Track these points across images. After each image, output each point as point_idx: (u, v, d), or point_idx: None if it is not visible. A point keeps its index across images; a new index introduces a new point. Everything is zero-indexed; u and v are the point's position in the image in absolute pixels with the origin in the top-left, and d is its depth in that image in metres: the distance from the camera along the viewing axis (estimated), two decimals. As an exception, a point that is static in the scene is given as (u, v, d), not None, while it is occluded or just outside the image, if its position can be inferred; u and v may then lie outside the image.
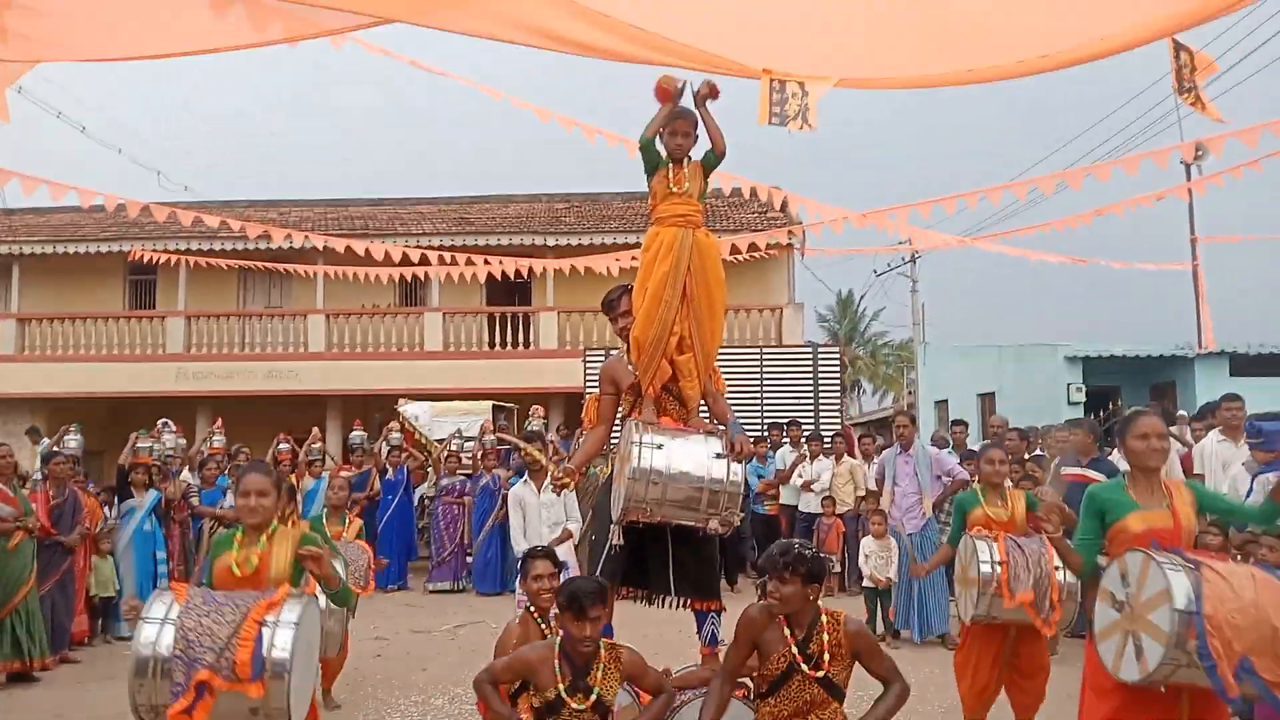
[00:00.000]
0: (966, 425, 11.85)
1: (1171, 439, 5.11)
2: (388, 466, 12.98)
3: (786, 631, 3.72)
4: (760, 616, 3.80)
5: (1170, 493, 3.99)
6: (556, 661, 3.77)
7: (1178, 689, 3.66)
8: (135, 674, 3.54)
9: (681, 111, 4.56)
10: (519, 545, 7.33)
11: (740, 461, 4.29)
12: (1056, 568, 5.34)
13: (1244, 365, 17.42)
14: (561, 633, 3.84)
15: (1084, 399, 18.20)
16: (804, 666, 3.68)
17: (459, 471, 12.80)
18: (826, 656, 3.69)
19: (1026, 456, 9.08)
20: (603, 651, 3.81)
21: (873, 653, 3.83)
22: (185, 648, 3.51)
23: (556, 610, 3.84)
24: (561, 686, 3.72)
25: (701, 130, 4.60)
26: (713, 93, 4.58)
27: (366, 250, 12.13)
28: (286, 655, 3.54)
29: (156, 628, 3.57)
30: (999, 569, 5.30)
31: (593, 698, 3.72)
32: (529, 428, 13.20)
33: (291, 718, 3.61)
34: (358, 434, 14.60)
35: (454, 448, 13.14)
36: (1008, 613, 5.33)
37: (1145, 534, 3.86)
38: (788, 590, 3.66)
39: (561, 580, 4.30)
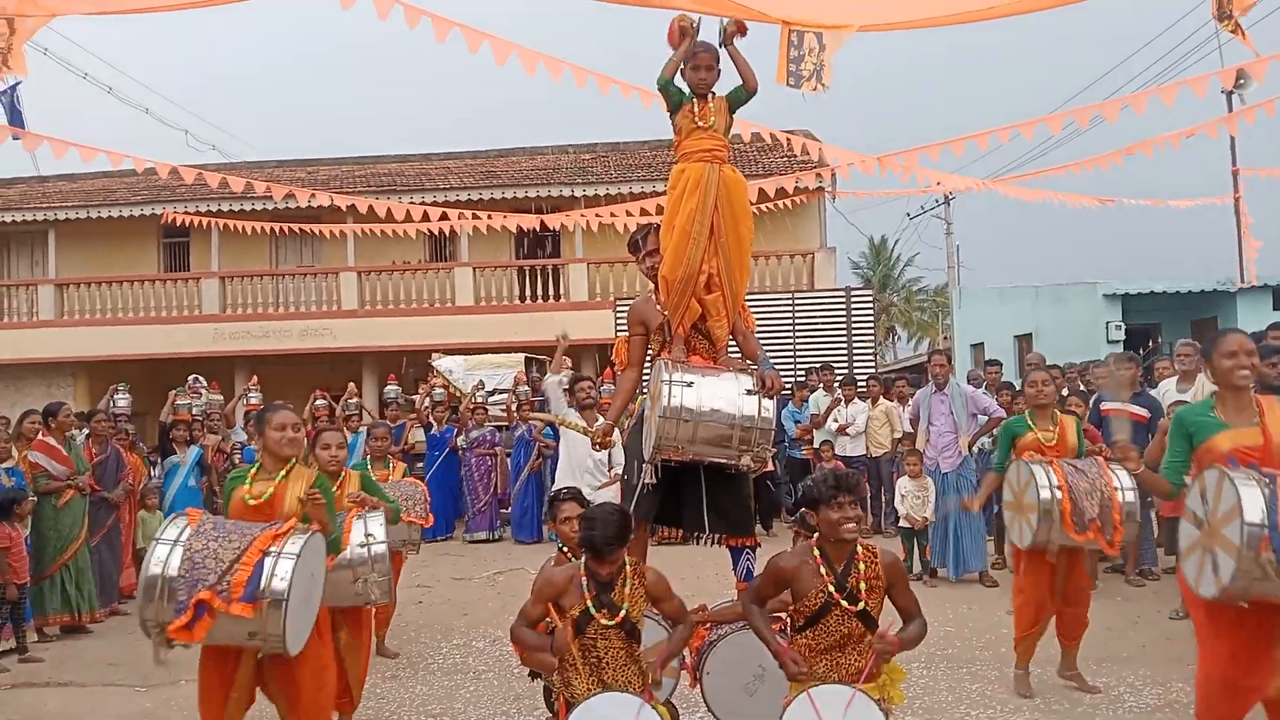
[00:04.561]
0: (1001, 365, 11.73)
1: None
2: (432, 422, 13.07)
3: (823, 569, 3.70)
4: (788, 564, 3.77)
5: (1263, 410, 3.92)
6: (583, 579, 3.81)
7: (1268, 605, 3.60)
8: (144, 591, 3.68)
9: (701, 45, 4.49)
10: (562, 481, 7.32)
11: (771, 398, 4.26)
12: (1116, 489, 5.29)
13: (1288, 299, 17.04)
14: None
15: (1123, 337, 17.91)
16: (843, 602, 3.66)
17: (488, 423, 12.89)
18: (864, 587, 3.67)
19: (1066, 392, 8.95)
20: (627, 568, 3.84)
21: (903, 585, 3.83)
22: (190, 568, 3.65)
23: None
24: (588, 601, 3.75)
25: (725, 65, 4.53)
26: (740, 29, 4.51)
27: (389, 211, 12.16)
28: (285, 585, 3.66)
29: (167, 549, 3.71)
30: (1059, 494, 5.25)
31: (620, 614, 3.75)
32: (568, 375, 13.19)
33: (288, 644, 3.72)
34: (392, 389, 14.70)
35: (479, 399, 13.21)
36: (1066, 538, 5.29)
37: (1232, 453, 3.81)
38: (854, 512, 3.68)
39: None
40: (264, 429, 4.23)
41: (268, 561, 3.69)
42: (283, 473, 4.13)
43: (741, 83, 4.53)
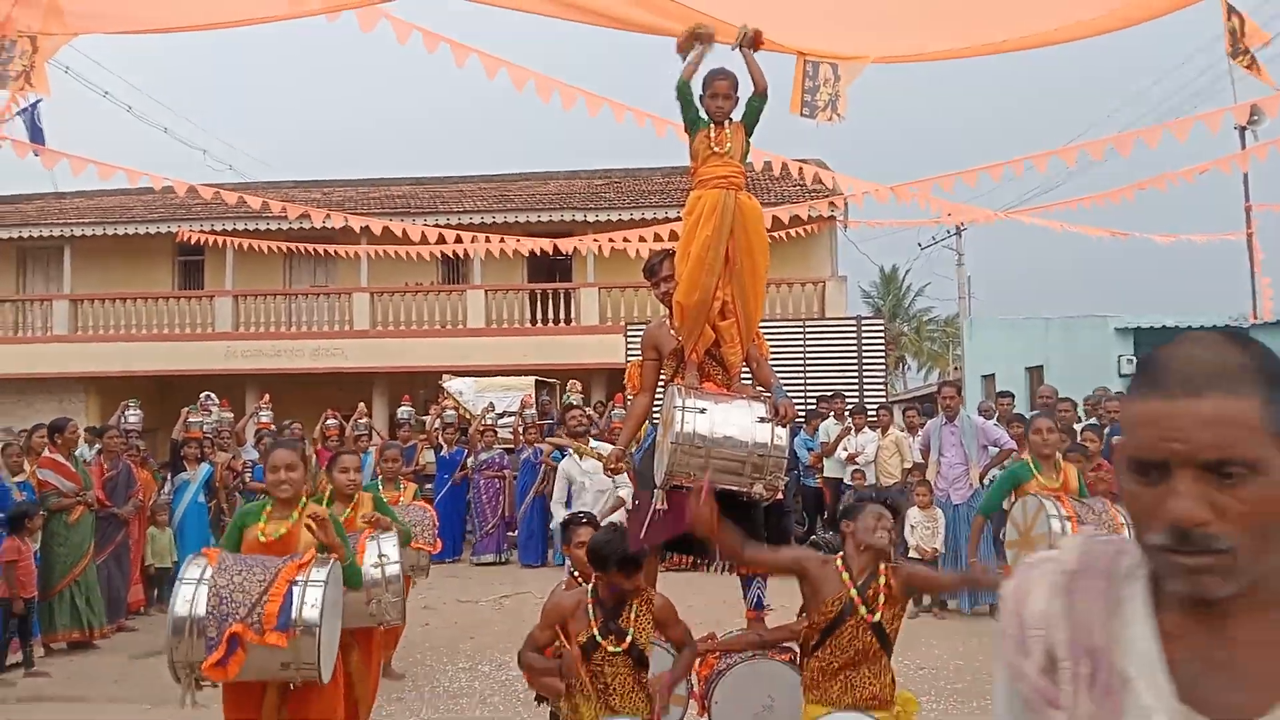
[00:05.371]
0: (1013, 396, 11.68)
1: None
2: (443, 444, 13.07)
3: (845, 575, 3.71)
4: (814, 561, 3.83)
5: None
6: (589, 605, 3.80)
7: None
8: (172, 633, 3.65)
9: (720, 71, 4.49)
10: (558, 515, 7.30)
11: (784, 425, 4.25)
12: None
13: (1301, 335, 16.98)
14: (594, 581, 3.87)
15: (1135, 371, 17.87)
16: (861, 609, 3.66)
17: (496, 445, 12.88)
18: (881, 599, 3.68)
19: (1079, 425, 8.92)
20: (636, 594, 3.82)
21: (928, 580, 3.84)
22: (218, 604, 3.62)
23: (602, 567, 3.84)
24: (595, 628, 3.74)
25: (742, 92, 4.54)
26: (759, 39, 4.49)
27: (404, 231, 12.24)
28: (317, 612, 3.65)
29: (192, 588, 3.68)
30: (1069, 524, 5.21)
31: (627, 640, 3.74)
32: (568, 401, 13.22)
33: (322, 672, 3.71)
34: (405, 409, 14.75)
35: (489, 421, 13.22)
36: None
37: None
38: (889, 523, 3.79)
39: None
40: (266, 470, 4.20)
41: (296, 590, 3.67)
42: (294, 514, 4.07)
43: (753, 89, 4.51)
